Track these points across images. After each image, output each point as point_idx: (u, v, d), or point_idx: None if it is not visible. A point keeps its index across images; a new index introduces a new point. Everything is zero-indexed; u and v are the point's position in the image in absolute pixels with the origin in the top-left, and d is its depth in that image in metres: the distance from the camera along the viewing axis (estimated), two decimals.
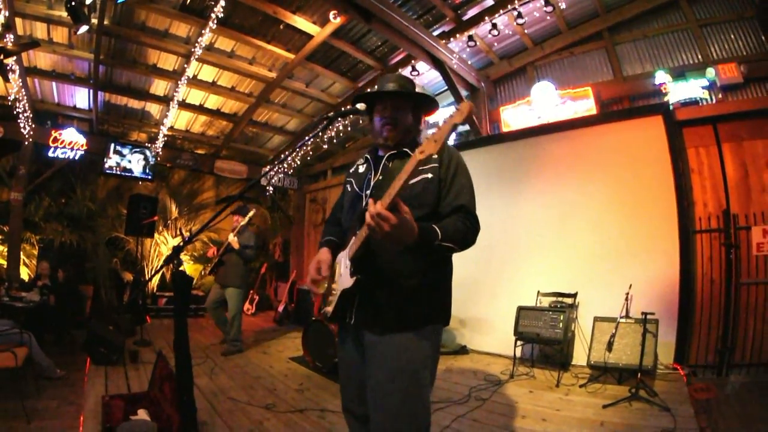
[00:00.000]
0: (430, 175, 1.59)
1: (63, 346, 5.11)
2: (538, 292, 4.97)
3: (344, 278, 1.58)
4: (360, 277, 1.53)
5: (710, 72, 4.91)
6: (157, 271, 8.75)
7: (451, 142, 6.83)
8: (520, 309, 4.60)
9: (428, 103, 1.78)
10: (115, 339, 4.60)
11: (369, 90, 1.89)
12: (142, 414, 2.79)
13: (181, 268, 1.62)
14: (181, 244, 1.73)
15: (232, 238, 5.16)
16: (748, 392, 3.59)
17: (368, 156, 1.80)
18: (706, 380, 4.01)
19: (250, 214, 5.27)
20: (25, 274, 7.14)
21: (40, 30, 5.83)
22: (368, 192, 1.67)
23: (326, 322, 4.36)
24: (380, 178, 1.66)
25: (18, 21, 5.46)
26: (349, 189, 1.81)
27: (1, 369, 3.15)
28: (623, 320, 4.05)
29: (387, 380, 1.48)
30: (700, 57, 5.23)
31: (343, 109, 1.82)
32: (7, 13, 4.74)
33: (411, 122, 1.72)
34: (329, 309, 1.65)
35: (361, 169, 1.81)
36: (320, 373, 4.40)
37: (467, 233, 1.51)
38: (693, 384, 3.74)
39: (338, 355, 1.79)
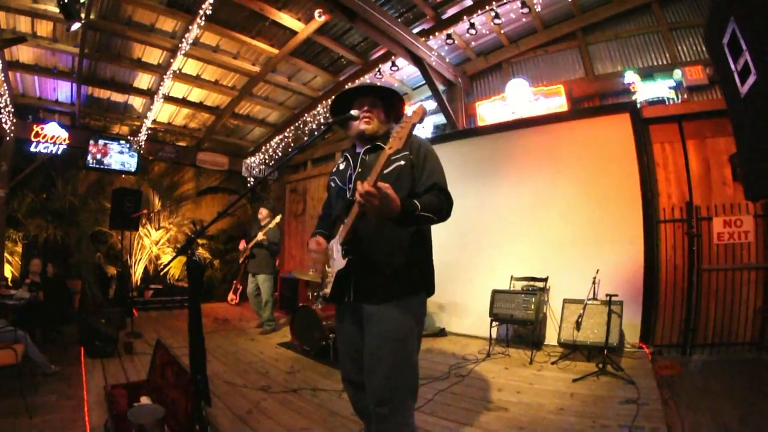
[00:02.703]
0: (403, 162, 1.85)
1: (52, 342, 5.09)
2: (512, 276, 5.22)
3: (337, 261, 1.83)
4: (351, 258, 1.77)
5: (677, 73, 5.13)
6: (171, 260, 9.03)
7: (429, 134, 7.08)
8: (495, 292, 4.86)
9: (397, 101, 2.04)
10: (110, 331, 4.70)
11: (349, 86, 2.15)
12: (145, 400, 2.86)
13: (194, 258, 1.82)
14: (193, 236, 1.93)
15: (261, 236, 5.90)
16: (710, 369, 3.89)
17: (347, 154, 2.05)
18: (671, 358, 4.31)
19: (277, 218, 6.07)
20: (8, 271, 7.09)
21: (23, 23, 5.75)
22: (351, 185, 1.91)
23: (324, 303, 4.62)
24: (359, 170, 1.91)
25: (0, 14, 5.41)
26: (333, 185, 2.06)
27: (2, 366, 3.20)
28: (590, 302, 4.32)
29: (380, 347, 1.74)
30: (668, 58, 5.45)
31: (340, 116, 2.06)
32: None
33: (384, 117, 1.99)
34: (327, 290, 1.89)
35: (342, 166, 2.05)
36: (309, 357, 4.61)
37: (442, 205, 1.76)
38: (658, 361, 4.05)
39: (336, 331, 2.04)
